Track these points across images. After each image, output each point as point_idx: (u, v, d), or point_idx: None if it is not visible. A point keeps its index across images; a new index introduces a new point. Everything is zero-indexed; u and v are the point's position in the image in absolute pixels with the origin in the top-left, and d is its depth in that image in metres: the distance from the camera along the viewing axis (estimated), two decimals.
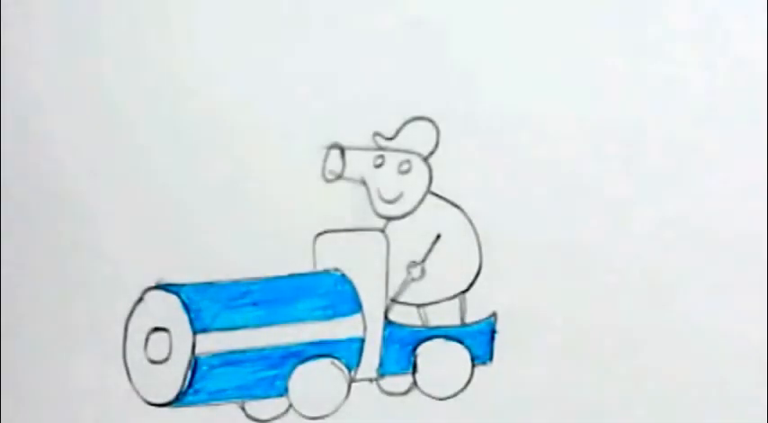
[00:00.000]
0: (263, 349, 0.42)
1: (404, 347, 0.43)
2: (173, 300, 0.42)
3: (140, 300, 0.42)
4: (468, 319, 0.43)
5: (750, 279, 0.42)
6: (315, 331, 0.43)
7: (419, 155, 0.43)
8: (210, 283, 0.42)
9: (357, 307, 0.43)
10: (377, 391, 0.43)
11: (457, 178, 0.43)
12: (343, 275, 0.43)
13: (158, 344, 0.42)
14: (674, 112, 0.42)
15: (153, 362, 0.42)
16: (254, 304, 0.42)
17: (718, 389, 0.42)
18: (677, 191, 0.42)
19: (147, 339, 0.42)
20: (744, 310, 0.42)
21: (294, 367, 0.43)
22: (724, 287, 0.42)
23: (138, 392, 0.42)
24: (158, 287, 0.42)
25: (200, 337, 0.41)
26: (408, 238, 0.43)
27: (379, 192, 0.43)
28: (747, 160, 0.42)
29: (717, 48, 0.42)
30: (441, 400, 0.43)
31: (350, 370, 0.43)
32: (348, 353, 0.43)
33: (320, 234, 0.43)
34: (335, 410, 0.43)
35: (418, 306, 0.43)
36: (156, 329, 0.42)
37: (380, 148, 0.43)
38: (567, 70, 0.43)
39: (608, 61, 0.42)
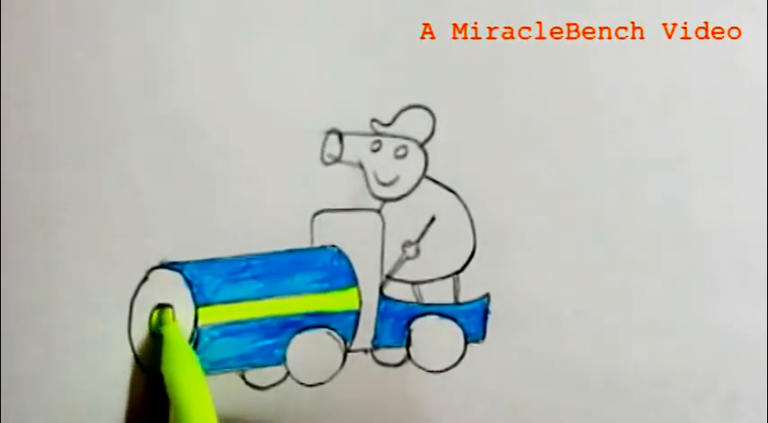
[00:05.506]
0: (262, 319, 0.43)
1: (398, 322, 0.44)
2: (176, 277, 0.42)
3: (145, 279, 0.42)
4: (462, 299, 0.44)
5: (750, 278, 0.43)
6: (312, 303, 0.44)
7: (415, 141, 0.43)
8: (213, 259, 0.43)
9: (353, 281, 0.44)
10: (371, 361, 0.44)
11: (452, 164, 0.43)
12: (340, 251, 0.44)
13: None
14: (671, 109, 0.43)
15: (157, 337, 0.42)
16: (255, 278, 0.43)
17: (717, 388, 0.43)
18: (674, 185, 0.43)
19: (151, 316, 0.42)
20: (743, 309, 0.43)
21: (292, 336, 0.44)
22: (723, 287, 0.43)
23: (142, 366, 0.43)
24: (162, 266, 0.42)
25: (202, 310, 0.42)
26: (404, 219, 0.44)
27: (375, 175, 0.43)
28: (748, 161, 0.43)
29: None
30: (433, 373, 0.44)
31: (345, 341, 0.44)
32: (344, 324, 0.44)
33: (318, 213, 0.43)
34: (331, 378, 0.44)
35: (413, 283, 0.44)
36: (161, 306, 0.42)
37: (378, 134, 0.43)
38: (565, 61, 0.43)
39: (606, 52, 0.43)
